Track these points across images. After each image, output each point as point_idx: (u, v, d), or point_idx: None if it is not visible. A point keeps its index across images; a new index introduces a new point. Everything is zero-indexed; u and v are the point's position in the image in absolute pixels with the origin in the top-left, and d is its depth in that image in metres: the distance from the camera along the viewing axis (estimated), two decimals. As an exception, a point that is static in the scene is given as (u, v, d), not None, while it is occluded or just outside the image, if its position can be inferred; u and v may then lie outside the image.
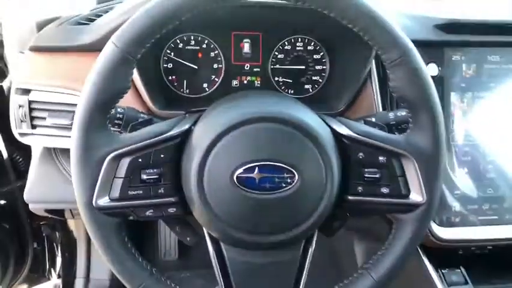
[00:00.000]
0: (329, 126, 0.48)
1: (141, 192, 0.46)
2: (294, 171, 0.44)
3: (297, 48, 0.77)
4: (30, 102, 0.66)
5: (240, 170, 0.43)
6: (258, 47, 0.76)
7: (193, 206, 0.46)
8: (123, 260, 0.46)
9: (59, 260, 1.21)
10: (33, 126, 0.68)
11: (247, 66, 0.77)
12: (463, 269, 0.71)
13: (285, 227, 0.45)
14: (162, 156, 0.46)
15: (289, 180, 0.44)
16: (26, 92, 0.67)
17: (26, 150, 0.85)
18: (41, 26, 0.71)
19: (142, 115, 0.55)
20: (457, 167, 0.69)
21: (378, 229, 0.83)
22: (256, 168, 0.43)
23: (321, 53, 0.78)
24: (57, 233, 1.16)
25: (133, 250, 0.47)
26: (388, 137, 0.48)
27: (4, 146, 0.95)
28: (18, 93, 0.67)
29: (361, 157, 0.48)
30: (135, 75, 0.65)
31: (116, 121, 0.54)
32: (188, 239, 0.55)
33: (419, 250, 0.71)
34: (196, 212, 0.46)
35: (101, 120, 0.44)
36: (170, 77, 0.77)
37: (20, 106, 0.66)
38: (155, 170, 0.46)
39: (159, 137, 0.46)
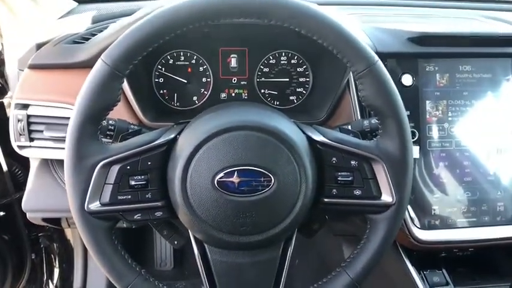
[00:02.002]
0: (304, 133, 0.52)
1: (129, 197, 0.49)
2: (270, 175, 0.47)
3: (281, 61, 0.81)
4: (28, 116, 0.70)
5: (221, 175, 0.47)
6: (245, 62, 0.81)
7: (178, 209, 0.49)
8: (112, 261, 0.49)
9: (56, 271, 1.22)
10: (31, 139, 0.71)
11: (234, 80, 0.81)
12: (444, 271, 0.74)
13: (263, 227, 0.49)
14: (149, 163, 0.50)
15: (266, 184, 0.47)
16: (25, 106, 0.71)
17: (24, 163, 0.88)
18: (40, 46, 0.75)
19: (132, 126, 0.59)
20: (435, 171, 0.73)
21: (360, 231, 0.85)
22: (236, 172, 0.47)
23: (304, 66, 0.82)
24: (54, 244, 1.18)
25: (123, 252, 0.51)
26: (359, 142, 0.52)
27: (4, 159, 0.99)
28: (17, 108, 0.71)
29: (334, 162, 0.52)
30: (127, 89, 0.69)
31: (108, 132, 0.57)
32: (176, 242, 0.58)
33: (402, 252, 0.74)
34: (181, 215, 0.50)
35: (92, 131, 0.48)
36: (161, 91, 0.81)
37: (18, 120, 0.70)
38: (143, 177, 0.49)
39: (147, 146, 0.50)
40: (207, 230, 0.48)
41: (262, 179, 0.47)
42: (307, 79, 0.82)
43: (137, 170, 0.49)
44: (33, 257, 1.16)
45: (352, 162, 0.51)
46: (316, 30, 0.47)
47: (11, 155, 0.99)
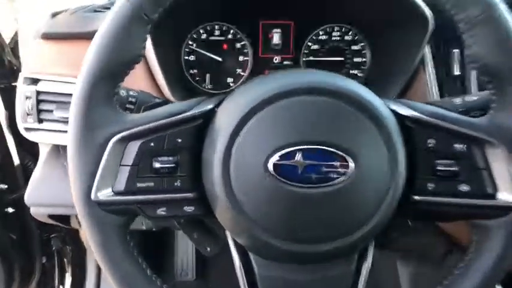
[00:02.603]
0: (388, 107, 0.38)
1: (152, 184, 0.37)
2: (348, 158, 0.34)
3: (333, 38, 0.69)
4: (38, 93, 0.60)
5: (278, 156, 0.34)
6: (289, 37, 0.69)
7: (216, 203, 0.36)
8: (125, 270, 0.37)
9: (68, 276, 1.12)
10: (40, 120, 0.61)
11: (276, 59, 0.70)
12: None
13: (335, 232, 0.35)
14: (179, 141, 0.37)
15: (341, 170, 0.34)
16: (34, 82, 0.61)
17: (36, 155, 0.80)
18: (55, 15, 0.66)
19: (158, 100, 0.46)
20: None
21: (429, 248, 0.70)
22: (299, 153, 0.34)
23: (361, 44, 0.69)
24: (68, 247, 1.08)
25: (140, 259, 0.38)
26: (465, 118, 0.38)
27: (16, 151, 0.90)
28: (26, 83, 0.61)
29: (431, 145, 0.38)
30: (153, 60, 0.57)
31: (128, 105, 0.46)
32: (208, 248, 0.45)
33: None
34: (219, 212, 0.37)
35: (106, 94, 0.36)
36: (192, 71, 0.70)
37: (27, 97, 0.60)
38: (170, 158, 0.37)
39: (176, 117, 0.37)
40: (255, 233, 0.35)
41: (337, 164, 0.34)
42: (364, 59, 0.69)
43: (163, 148, 0.37)
44: (44, 261, 1.06)
45: (457, 146, 0.37)
46: None
47: (24, 147, 0.90)
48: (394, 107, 0.39)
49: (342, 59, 0.69)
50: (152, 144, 0.37)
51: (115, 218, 0.37)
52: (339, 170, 0.34)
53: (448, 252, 0.68)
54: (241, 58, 0.69)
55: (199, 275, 1.16)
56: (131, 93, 0.47)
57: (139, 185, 0.37)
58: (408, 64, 0.59)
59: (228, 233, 0.39)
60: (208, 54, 0.68)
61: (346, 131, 0.35)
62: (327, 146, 0.34)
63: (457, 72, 0.60)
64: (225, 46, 0.69)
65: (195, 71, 0.69)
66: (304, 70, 0.39)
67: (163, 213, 0.38)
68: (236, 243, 0.39)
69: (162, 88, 0.59)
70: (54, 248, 1.08)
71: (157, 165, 0.37)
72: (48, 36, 0.62)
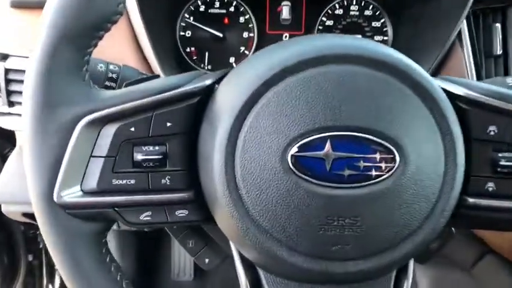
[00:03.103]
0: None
1: (133, 181, 0.29)
2: (393, 150, 0.25)
3: (351, 13, 0.62)
4: (6, 71, 0.51)
5: (298, 146, 0.25)
6: (301, 12, 0.62)
7: (217, 207, 0.28)
8: None
9: (58, 275, 1.05)
10: (11, 104, 0.52)
11: (286, 36, 0.63)
12: None
13: (372, 248, 0.26)
14: (168, 124, 0.29)
15: (384, 166, 0.25)
16: (3, 58, 0.52)
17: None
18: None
19: (144, 76, 0.38)
20: None
21: (458, 253, 0.62)
22: (328, 142, 0.25)
23: (382, 20, 0.61)
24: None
25: (119, 277, 0.29)
26: None
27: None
28: (-7, 60, 0.52)
29: (492, 133, 0.29)
30: (143, 39, 0.49)
31: (107, 83, 0.37)
32: (206, 260, 0.36)
33: None
34: (221, 218, 0.28)
35: (71, 64, 0.28)
36: (188, 48, 0.61)
37: (-6, 77, 0.51)
38: (157, 148, 0.29)
39: (165, 94, 0.29)
40: (267, 246, 0.27)
41: (377, 157, 0.25)
42: (385, 37, 0.61)
43: (148, 135, 0.28)
44: (30, 259, 0.99)
45: None
46: None
47: (2, 134, 0.82)
48: (443, 84, 0.30)
49: (360, 37, 0.60)
50: (133, 128, 0.28)
51: (85, 226, 0.28)
52: (381, 165, 0.26)
53: (478, 258, 0.60)
54: (245, 34, 0.61)
55: (198, 275, 1.08)
56: (112, 67, 0.38)
57: (116, 182, 0.28)
58: (441, 42, 0.51)
59: (232, 244, 0.31)
60: (207, 29, 0.60)
61: (392, 114, 0.26)
62: (365, 133, 0.25)
63: (498, 51, 0.52)
64: (226, 20, 0.61)
65: (192, 48, 0.61)
66: (335, 34, 0.31)
67: (148, 219, 0.29)
68: (242, 258, 0.30)
69: (154, 69, 0.50)
70: (41, 246, 1.00)
71: (139, 156, 0.28)
72: (18, 5, 0.53)
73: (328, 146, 0.25)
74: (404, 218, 0.26)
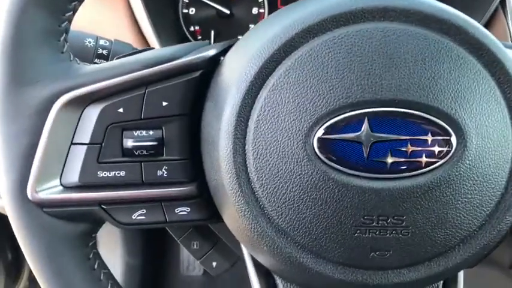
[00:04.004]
0: None
1: (123, 173, 0.24)
2: (450, 130, 0.20)
3: None
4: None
5: (326, 127, 0.20)
6: None
7: (225, 203, 0.23)
8: None
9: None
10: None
11: None
12: None
13: (422, 254, 0.21)
14: (164, 104, 0.24)
15: (437, 150, 0.20)
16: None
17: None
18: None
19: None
20: None
21: (496, 253, 0.57)
22: (365, 121, 0.20)
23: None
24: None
25: (110, 286, 0.25)
26: None
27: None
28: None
29: None
30: (142, 17, 0.44)
31: (96, 60, 0.32)
32: (214, 264, 0.32)
33: None
34: (229, 216, 0.23)
35: (46, 30, 0.23)
36: (192, 27, 0.56)
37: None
38: (151, 132, 0.24)
39: (160, 67, 0.24)
40: (288, 252, 0.22)
41: (430, 139, 0.20)
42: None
43: (140, 117, 0.23)
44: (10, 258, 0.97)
45: None
46: None
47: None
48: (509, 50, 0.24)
49: None
50: (122, 109, 0.23)
51: (67, 227, 0.24)
52: (433, 149, 0.20)
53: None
54: (254, 10, 0.56)
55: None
56: (102, 42, 0.33)
57: (102, 174, 0.23)
58: (482, 8, 0.44)
59: (243, 247, 0.26)
60: (213, 4, 0.54)
61: (447, 85, 0.20)
62: (413, 109, 0.20)
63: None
64: (233, -5, 0.55)
65: (197, 27, 0.56)
66: None
67: (142, 218, 0.24)
68: (256, 263, 0.25)
69: (150, 40, 0.45)
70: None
71: (130, 143, 0.23)
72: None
73: (365, 126, 0.20)
74: (461, 216, 0.21)
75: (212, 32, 0.56)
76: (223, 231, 0.28)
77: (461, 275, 0.26)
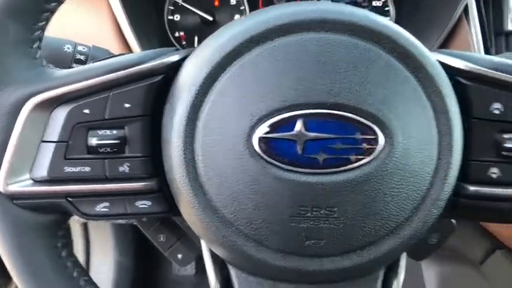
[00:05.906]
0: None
1: (88, 169, 0.26)
2: (377, 129, 0.22)
3: None
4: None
5: (266, 126, 0.22)
6: None
7: (179, 196, 0.25)
8: None
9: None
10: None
11: None
12: None
13: (353, 242, 0.23)
14: (127, 106, 0.26)
15: (366, 148, 0.22)
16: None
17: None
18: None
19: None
20: None
21: (466, 247, 0.58)
22: (300, 121, 0.22)
23: (383, -1, 0.57)
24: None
25: (76, 273, 0.27)
26: None
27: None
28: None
29: (496, 111, 0.25)
30: (125, 25, 0.46)
31: (75, 65, 0.34)
32: (179, 256, 0.34)
33: None
34: (184, 209, 0.25)
35: (19, 39, 0.25)
36: (177, 33, 0.58)
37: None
38: (114, 132, 0.26)
39: (125, 71, 0.26)
40: (233, 241, 0.24)
41: (359, 137, 0.22)
42: (387, 17, 0.56)
43: (104, 117, 0.26)
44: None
45: None
46: None
47: None
48: (441, 57, 0.26)
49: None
50: (87, 110, 0.26)
51: (36, 218, 0.26)
52: (362, 147, 0.22)
53: (489, 253, 0.56)
54: (236, 17, 0.58)
55: (200, 270, 1.06)
56: (80, 48, 0.35)
57: (69, 169, 0.26)
58: (446, 18, 0.46)
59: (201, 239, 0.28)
60: (197, 11, 0.57)
61: (374, 88, 0.22)
62: (344, 111, 0.22)
63: (509, 27, 0.47)
64: (216, 2, 0.57)
65: (181, 33, 0.58)
66: (313, 1, 0.27)
67: (105, 210, 0.26)
68: (211, 252, 0.27)
69: (132, 46, 0.47)
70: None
71: (95, 141, 0.26)
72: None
73: (300, 125, 0.22)
74: (389, 208, 0.23)
75: (196, 38, 0.58)
76: (187, 226, 0.30)
77: (401, 267, 0.27)
